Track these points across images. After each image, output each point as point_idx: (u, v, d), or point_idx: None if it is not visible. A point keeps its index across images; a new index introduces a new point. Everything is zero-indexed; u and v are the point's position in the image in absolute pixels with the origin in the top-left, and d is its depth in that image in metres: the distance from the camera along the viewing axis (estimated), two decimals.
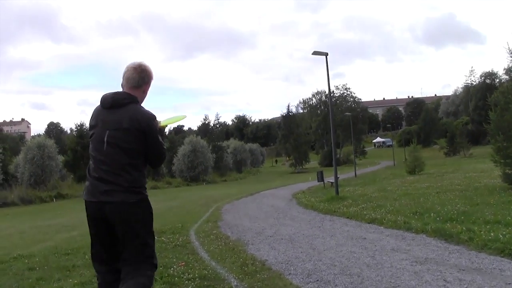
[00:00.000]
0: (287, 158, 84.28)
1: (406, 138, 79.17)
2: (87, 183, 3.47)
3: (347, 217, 11.76)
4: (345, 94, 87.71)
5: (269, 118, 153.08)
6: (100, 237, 3.47)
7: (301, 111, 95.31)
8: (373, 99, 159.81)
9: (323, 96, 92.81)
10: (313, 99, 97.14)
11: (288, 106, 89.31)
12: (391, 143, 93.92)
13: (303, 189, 27.01)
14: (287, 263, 6.58)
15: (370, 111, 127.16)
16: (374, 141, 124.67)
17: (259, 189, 30.38)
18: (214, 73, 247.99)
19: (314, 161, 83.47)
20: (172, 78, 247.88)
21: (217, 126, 75.48)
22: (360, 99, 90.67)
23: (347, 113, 53.25)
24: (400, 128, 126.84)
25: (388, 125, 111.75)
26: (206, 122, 73.06)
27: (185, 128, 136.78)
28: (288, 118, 77.75)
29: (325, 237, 8.92)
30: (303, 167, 75.14)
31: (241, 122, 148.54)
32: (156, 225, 11.26)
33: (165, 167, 57.17)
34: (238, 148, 75.20)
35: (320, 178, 26.46)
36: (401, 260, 6.31)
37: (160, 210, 18.32)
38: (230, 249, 7.87)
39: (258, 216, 13.84)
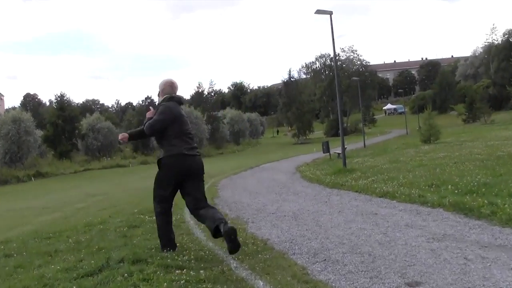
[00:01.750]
0: (289, 128, 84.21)
1: (420, 104, 79.17)
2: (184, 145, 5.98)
3: (356, 191, 11.75)
4: (351, 57, 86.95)
5: (269, 85, 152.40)
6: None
7: (304, 76, 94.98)
8: (382, 62, 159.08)
9: (328, 60, 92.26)
10: (317, 63, 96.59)
11: (290, 71, 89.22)
12: (403, 110, 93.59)
13: (307, 161, 27.05)
14: (291, 242, 6.57)
15: (380, 75, 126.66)
16: (385, 108, 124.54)
17: (259, 162, 30.44)
18: (207, 35, 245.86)
19: (318, 131, 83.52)
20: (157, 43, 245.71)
21: (212, 94, 75.15)
22: (369, 62, 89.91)
23: (354, 78, 52.80)
24: (413, 94, 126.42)
25: (400, 90, 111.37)
26: (200, 90, 72.63)
27: None
28: (290, 85, 77.40)
29: (332, 213, 8.91)
30: (307, 137, 75.16)
31: (238, 90, 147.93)
32: (146, 204, 11.26)
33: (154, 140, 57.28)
34: (235, 118, 75.10)
35: (326, 149, 26.49)
36: (416, 236, 6.30)
37: (150, 187, 18.36)
38: None
39: (258, 192, 13.84)
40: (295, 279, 4.74)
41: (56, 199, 18.86)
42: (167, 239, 5.98)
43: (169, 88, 6.27)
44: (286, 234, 7.18)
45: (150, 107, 6.44)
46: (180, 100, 6.28)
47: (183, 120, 6.12)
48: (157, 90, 6.39)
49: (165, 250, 5.86)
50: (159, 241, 6.05)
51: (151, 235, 7.16)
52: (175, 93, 6.30)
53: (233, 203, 11.73)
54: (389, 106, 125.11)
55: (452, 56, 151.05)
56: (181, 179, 5.99)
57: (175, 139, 5.94)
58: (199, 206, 5.97)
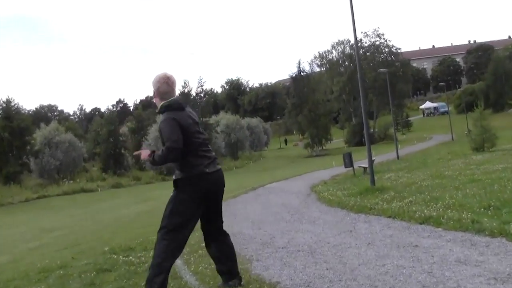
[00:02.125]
0: (301, 137, 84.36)
1: (469, 101, 79.29)
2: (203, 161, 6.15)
3: (389, 217, 11.67)
4: (377, 42, 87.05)
5: (273, 82, 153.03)
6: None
7: (318, 69, 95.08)
8: (418, 48, 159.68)
9: (347, 47, 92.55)
10: (333, 52, 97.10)
11: (299, 63, 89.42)
12: (446, 109, 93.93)
13: (325, 179, 27.01)
14: (308, 286, 6.49)
15: (415, 65, 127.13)
16: (422, 107, 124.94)
17: (264, 182, 30.39)
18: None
19: (338, 139, 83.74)
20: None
21: (202, 95, 75.21)
22: (400, 48, 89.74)
23: (381, 70, 52.79)
24: (459, 88, 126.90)
25: (441, 84, 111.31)
26: (186, 90, 72.68)
27: None
28: (300, 81, 77.68)
29: (360, 246, 8.83)
30: (324, 147, 75.23)
31: (235, 89, 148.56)
32: (120, 240, 11.17)
33: (131, 157, 57.19)
34: (231, 125, 75.31)
35: (348, 162, 26.43)
36: (472, 276, 6.20)
37: (124, 218, 18.29)
38: None
39: (263, 220, 13.79)
40: None
41: (2, 237, 18.77)
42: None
43: (165, 86, 6.23)
44: (301, 275, 7.09)
45: (141, 151, 6.43)
46: (181, 106, 6.22)
47: (195, 130, 6.16)
48: (150, 90, 6.48)
49: None
50: (146, 285, 5.92)
51: (127, 282, 7.07)
52: (174, 89, 6.31)
53: (232, 235, 11.47)
54: (427, 104, 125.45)
55: (509, 37, 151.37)
56: (206, 202, 6.18)
57: (192, 157, 6.07)
58: (219, 235, 6.47)
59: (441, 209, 11.02)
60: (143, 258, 9.11)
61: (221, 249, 6.37)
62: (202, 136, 6.28)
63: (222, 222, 6.51)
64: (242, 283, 6.32)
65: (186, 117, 6.10)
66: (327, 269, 7.34)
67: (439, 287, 5.88)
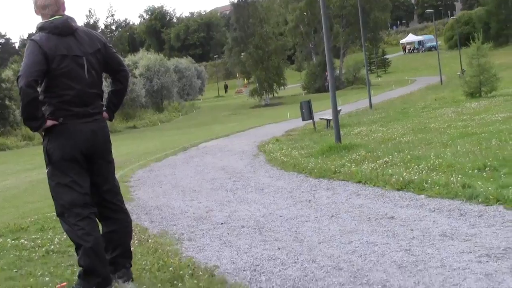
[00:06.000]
0: (245, 81, 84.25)
1: (464, 32, 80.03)
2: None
3: (359, 182, 11.86)
4: None
5: (209, 10, 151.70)
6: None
7: None
8: None
9: None
10: None
11: None
12: (434, 43, 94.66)
13: (277, 135, 27.04)
14: (254, 270, 6.61)
15: None
16: (404, 41, 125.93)
17: (198, 140, 30.25)
18: None
19: (294, 84, 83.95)
20: None
21: (113, 28, 74.08)
22: None
23: None
24: (452, 16, 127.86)
25: (428, 11, 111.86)
26: (91, 21, 71.33)
27: None
28: (244, 8, 76.94)
29: (321, 219, 8.98)
30: (275, 95, 75.30)
31: (158, 20, 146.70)
32: (8, 218, 11.10)
33: (19, 110, 56.29)
34: (154, 67, 74.54)
35: (307, 113, 26.51)
36: (460, 253, 6.41)
37: (12, 190, 18.07)
38: (150, 252, 7.83)
39: (197, 189, 13.83)
40: None
41: None
42: (103, 273, 5.96)
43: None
44: (246, 257, 7.21)
45: None
46: (57, 28, 5.98)
47: (70, 69, 5.96)
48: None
49: None
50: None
51: (19, 271, 7.06)
52: (59, 3, 6.05)
53: (156, 209, 11.67)
54: (410, 38, 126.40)
55: None
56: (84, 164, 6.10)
57: (59, 102, 5.92)
58: (111, 212, 6.40)
59: (424, 172, 11.25)
60: (39, 241, 9.02)
61: (109, 236, 6.30)
62: (91, 79, 6.13)
63: (116, 193, 6.48)
64: (132, 278, 6.33)
65: (64, 47, 5.94)
66: (279, 248, 7.47)
67: (418, 267, 6.07)
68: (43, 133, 5.97)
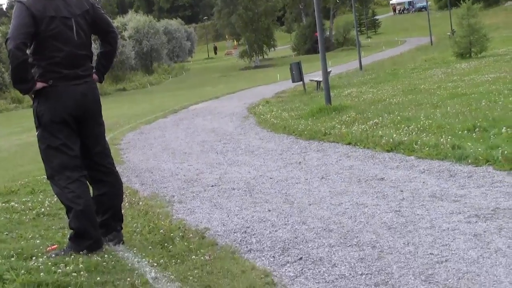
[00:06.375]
0: (235, 43, 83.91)
1: None
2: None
3: (349, 144, 11.90)
4: None
5: None
6: None
7: None
8: None
9: None
10: None
11: None
12: (424, 3, 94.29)
13: (268, 97, 27.06)
14: (245, 232, 6.65)
15: None
16: (393, 1, 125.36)
17: (188, 102, 30.22)
18: None
19: (284, 46, 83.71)
20: None
21: None
22: None
23: None
24: None
25: None
26: None
27: None
28: None
29: (311, 181, 9.01)
30: (265, 56, 75.08)
31: None
32: None
33: (8, 72, 56.07)
34: (143, 29, 74.06)
35: (297, 75, 26.47)
36: (450, 214, 6.45)
37: (3, 153, 18.05)
38: (141, 214, 7.86)
39: (188, 151, 13.88)
40: None
41: None
42: (94, 235, 6.07)
43: None
44: (236, 219, 7.25)
45: None
46: None
47: (59, 30, 5.98)
48: None
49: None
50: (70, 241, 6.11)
51: (10, 234, 7.07)
52: None
53: (146, 171, 11.71)
54: None
55: None
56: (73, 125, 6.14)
57: (48, 64, 5.95)
58: (102, 175, 6.46)
59: (414, 133, 11.27)
60: (29, 204, 9.02)
61: (100, 199, 6.40)
62: (80, 41, 6.14)
63: (107, 155, 6.55)
64: (123, 240, 6.42)
65: (52, 8, 5.94)
66: (269, 210, 7.51)
67: (408, 228, 6.11)
68: (33, 96, 5.98)
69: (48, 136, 5.94)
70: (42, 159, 6.12)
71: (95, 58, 6.44)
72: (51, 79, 5.85)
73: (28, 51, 5.77)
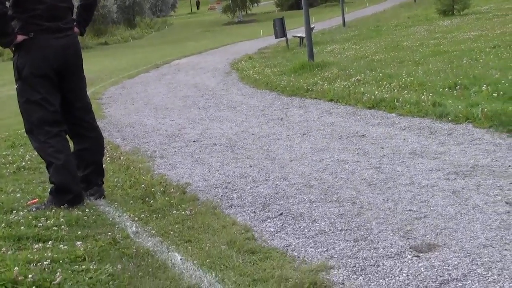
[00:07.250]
0: None
1: None
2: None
3: (331, 100, 11.91)
4: None
5: None
6: None
7: None
8: None
9: None
10: None
11: None
12: None
13: (250, 52, 26.94)
14: (226, 188, 6.68)
15: None
16: None
17: (170, 57, 30.09)
18: None
19: (267, 1, 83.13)
20: None
21: None
22: None
23: None
24: None
25: None
26: None
27: None
28: None
29: (292, 137, 9.04)
30: (248, 12, 74.66)
31: None
32: None
33: None
34: None
35: (280, 31, 26.37)
36: (429, 171, 6.50)
37: None
38: (122, 169, 7.88)
39: (170, 107, 13.85)
40: (233, 248, 4.82)
41: None
42: (75, 190, 6.11)
43: None
44: (218, 175, 7.28)
45: None
46: None
47: None
48: None
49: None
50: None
51: None
52: None
53: (128, 126, 11.70)
54: None
55: None
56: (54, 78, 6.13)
57: (29, 17, 5.93)
58: (83, 129, 6.49)
59: (395, 90, 11.30)
60: (10, 158, 9.04)
61: (81, 154, 6.45)
62: None
63: (89, 110, 6.58)
64: (104, 195, 6.48)
65: None
66: (251, 166, 7.54)
67: (388, 185, 6.16)
68: (13, 49, 5.95)
69: (27, 90, 5.91)
70: (21, 112, 6.11)
71: (75, 11, 6.40)
72: (32, 32, 5.81)
73: (7, 4, 5.71)
